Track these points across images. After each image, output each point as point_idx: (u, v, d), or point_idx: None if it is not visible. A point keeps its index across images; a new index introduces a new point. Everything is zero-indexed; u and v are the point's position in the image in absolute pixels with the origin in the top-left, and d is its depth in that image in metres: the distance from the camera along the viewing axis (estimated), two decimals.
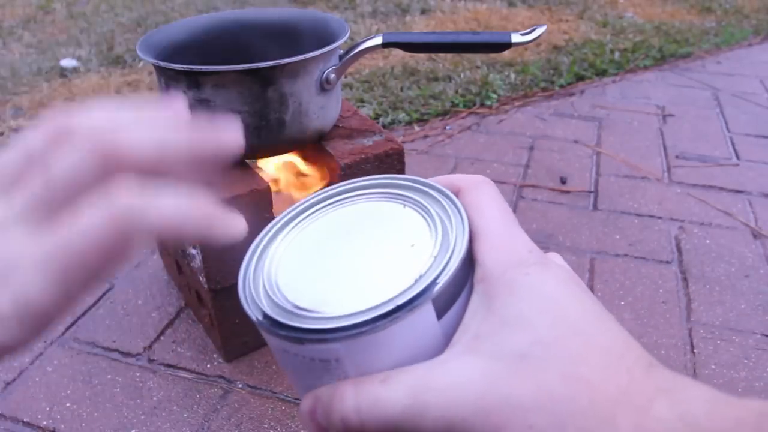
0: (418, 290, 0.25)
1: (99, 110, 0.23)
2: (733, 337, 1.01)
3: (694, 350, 0.98)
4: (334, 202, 0.31)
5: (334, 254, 0.28)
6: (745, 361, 0.96)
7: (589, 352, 0.24)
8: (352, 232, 0.29)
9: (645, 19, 2.51)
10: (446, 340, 0.26)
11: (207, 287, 0.88)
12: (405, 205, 0.29)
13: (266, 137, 0.86)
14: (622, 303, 1.08)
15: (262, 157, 0.94)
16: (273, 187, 0.98)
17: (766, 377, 0.94)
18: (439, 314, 0.25)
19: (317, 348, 0.25)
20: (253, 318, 0.27)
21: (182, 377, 0.94)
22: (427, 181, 0.30)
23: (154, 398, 0.91)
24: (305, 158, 1.02)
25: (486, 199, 0.28)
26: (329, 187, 0.31)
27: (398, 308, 0.24)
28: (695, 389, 0.23)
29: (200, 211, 0.22)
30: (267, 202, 0.86)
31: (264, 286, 0.27)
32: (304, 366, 0.26)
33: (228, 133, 0.23)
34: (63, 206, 0.21)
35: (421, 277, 0.25)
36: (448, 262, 0.26)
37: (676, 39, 2.27)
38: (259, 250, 0.29)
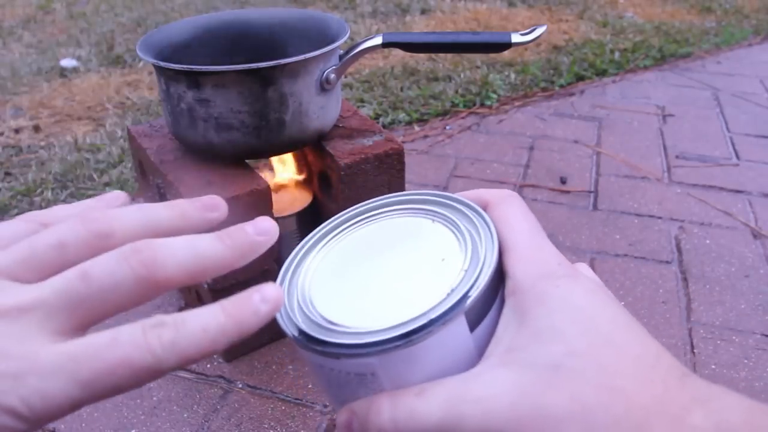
0: (451, 304, 0.25)
1: (136, 211, 0.25)
2: (733, 337, 1.01)
3: (694, 350, 0.99)
4: (364, 219, 0.32)
5: (366, 269, 0.29)
6: (745, 361, 0.96)
7: (621, 362, 0.24)
8: (382, 247, 0.30)
9: (645, 19, 2.51)
10: (479, 352, 0.26)
11: (207, 287, 0.88)
12: (434, 221, 0.30)
13: (266, 137, 0.86)
14: (622, 303, 1.07)
15: (262, 157, 0.94)
16: (272, 187, 0.98)
17: (766, 377, 0.94)
18: (472, 327, 0.26)
19: (353, 362, 0.25)
20: (290, 334, 0.27)
21: (182, 377, 0.94)
22: (455, 195, 0.30)
23: (154, 398, 0.91)
24: (298, 159, 1.03)
25: (514, 212, 0.29)
26: (360, 204, 0.32)
27: (431, 322, 0.25)
28: (731, 398, 0.23)
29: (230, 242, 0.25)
30: (267, 202, 0.86)
31: (298, 302, 0.28)
32: (340, 380, 0.26)
33: (264, 237, 0.26)
34: (95, 308, 0.22)
35: (453, 290, 0.26)
36: (479, 276, 0.26)
37: (676, 39, 2.27)
38: (292, 267, 0.30)
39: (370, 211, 0.32)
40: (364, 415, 0.26)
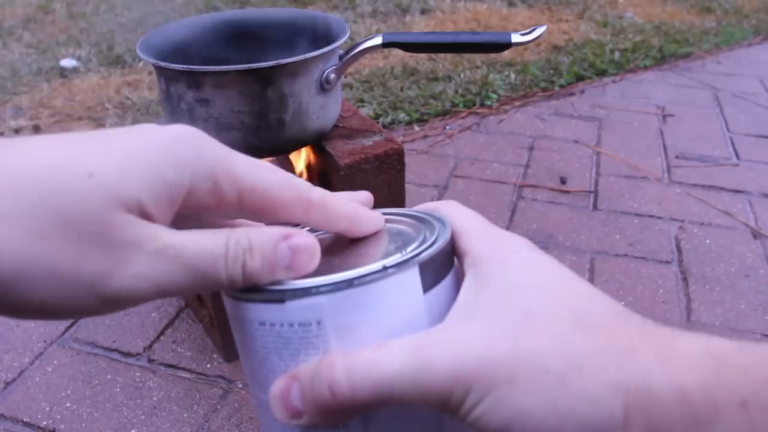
0: (406, 257, 0.25)
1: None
2: (733, 337, 1.00)
3: None
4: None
5: (322, 258, 0.28)
6: None
7: (595, 306, 0.23)
8: (336, 241, 0.30)
9: (645, 19, 2.51)
10: (431, 320, 0.26)
11: None
12: (389, 223, 0.31)
13: (266, 137, 0.86)
14: (622, 303, 1.08)
15: (261, 157, 0.94)
16: None
17: None
18: (425, 287, 0.25)
19: (299, 305, 0.24)
20: (228, 291, 0.26)
21: (182, 377, 0.94)
22: (405, 210, 0.31)
23: (154, 398, 0.91)
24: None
25: (462, 209, 0.29)
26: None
27: (384, 267, 0.25)
28: (718, 338, 0.22)
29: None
30: None
31: None
32: (279, 340, 0.25)
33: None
34: None
35: (407, 251, 0.26)
36: (434, 241, 0.26)
37: (676, 39, 2.27)
38: None
39: None
40: (311, 375, 0.24)
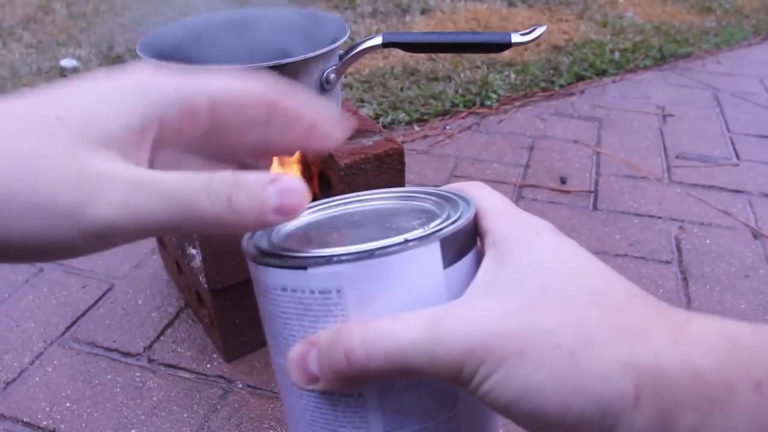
0: (428, 232, 0.25)
1: None
2: None
3: None
4: (346, 201, 0.32)
5: (346, 228, 0.29)
6: None
7: (611, 289, 0.23)
8: (363, 216, 0.30)
9: (645, 19, 2.51)
10: (449, 296, 0.26)
11: (207, 287, 0.88)
12: (414, 201, 0.31)
13: None
14: None
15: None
16: None
17: None
18: (446, 262, 0.26)
19: (320, 272, 0.25)
20: (252, 252, 0.27)
21: (182, 377, 0.94)
22: (432, 188, 0.32)
23: (154, 398, 0.91)
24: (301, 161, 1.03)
25: (487, 190, 0.29)
26: (339, 196, 0.33)
27: (406, 240, 0.25)
28: (732, 320, 0.22)
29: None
30: None
31: (268, 240, 0.28)
32: (300, 306, 0.25)
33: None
34: None
35: (429, 227, 0.26)
36: (457, 219, 0.27)
37: (676, 39, 2.27)
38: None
39: (353, 197, 0.33)
40: (329, 342, 0.24)
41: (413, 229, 0.26)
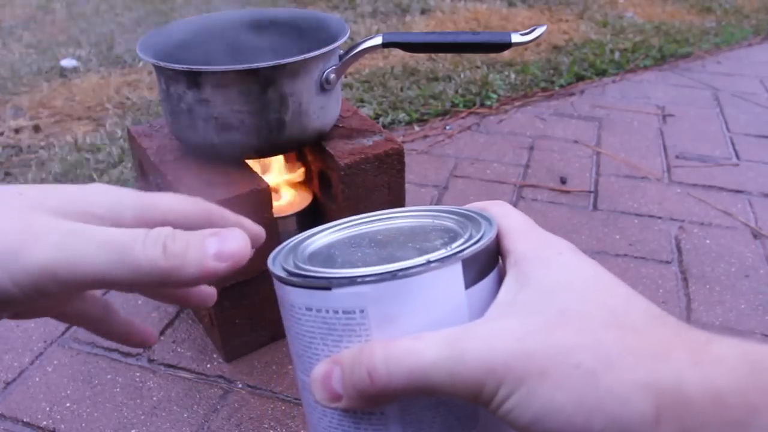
0: (450, 252, 0.26)
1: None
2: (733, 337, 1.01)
3: None
4: (370, 220, 0.33)
5: (369, 247, 0.29)
6: None
7: (631, 308, 0.24)
8: (388, 236, 0.31)
9: (645, 19, 2.51)
10: (471, 315, 0.26)
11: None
12: (435, 220, 0.31)
13: (266, 137, 0.86)
14: None
15: (262, 157, 0.94)
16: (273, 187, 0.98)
17: None
18: (467, 283, 0.26)
19: (344, 293, 0.25)
20: (278, 273, 0.27)
21: (182, 377, 0.94)
22: (455, 207, 0.32)
23: (154, 398, 0.91)
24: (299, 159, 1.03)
25: (510, 209, 0.30)
26: (362, 215, 0.33)
27: (428, 261, 0.25)
28: (752, 342, 0.22)
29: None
30: (267, 202, 0.86)
31: (293, 260, 0.28)
32: (324, 326, 0.26)
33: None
34: None
35: (452, 247, 0.26)
36: (479, 239, 0.27)
37: (676, 39, 2.27)
38: (290, 245, 0.30)
39: (378, 215, 0.33)
40: (352, 361, 0.24)
41: (436, 249, 0.26)
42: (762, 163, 1.51)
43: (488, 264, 0.27)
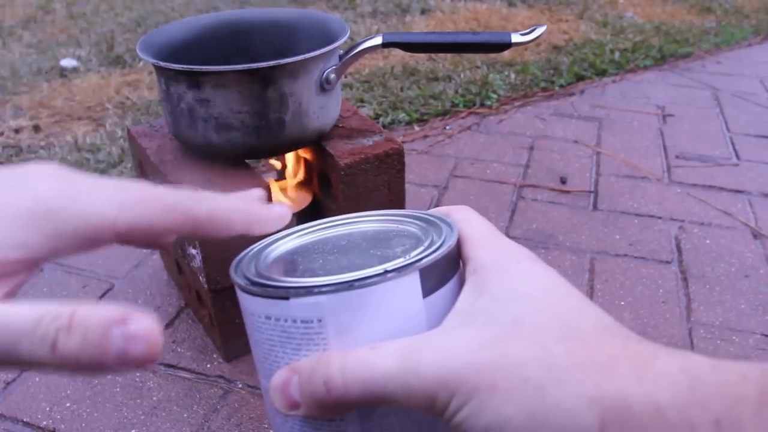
0: (408, 262, 0.26)
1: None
2: (733, 337, 1.01)
3: (694, 350, 0.98)
4: (335, 224, 0.33)
5: (331, 253, 0.29)
6: (746, 360, 0.96)
7: (583, 321, 0.24)
8: (349, 240, 0.31)
9: (645, 19, 2.51)
10: (429, 324, 0.26)
11: (207, 287, 0.88)
12: (399, 225, 0.31)
13: (266, 137, 0.86)
14: (622, 303, 1.08)
15: (262, 157, 0.94)
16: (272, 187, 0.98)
17: None
18: (425, 292, 0.26)
19: (302, 303, 0.25)
20: (239, 282, 0.27)
21: (182, 377, 0.94)
22: (419, 212, 0.32)
23: (154, 398, 0.91)
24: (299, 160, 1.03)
25: (473, 215, 0.30)
26: (328, 218, 0.33)
27: (386, 271, 0.25)
28: (695, 355, 0.23)
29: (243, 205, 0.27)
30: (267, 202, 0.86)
31: (255, 267, 0.29)
32: (283, 334, 0.26)
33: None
34: None
35: (410, 255, 0.27)
36: (438, 247, 0.27)
37: (676, 39, 2.27)
38: (254, 250, 0.31)
39: (340, 220, 0.33)
40: (309, 370, 0.25)
41: (395, 256, 0.27)
42: (762, 163, 1.51)
43: (448, 271, 0.27)
